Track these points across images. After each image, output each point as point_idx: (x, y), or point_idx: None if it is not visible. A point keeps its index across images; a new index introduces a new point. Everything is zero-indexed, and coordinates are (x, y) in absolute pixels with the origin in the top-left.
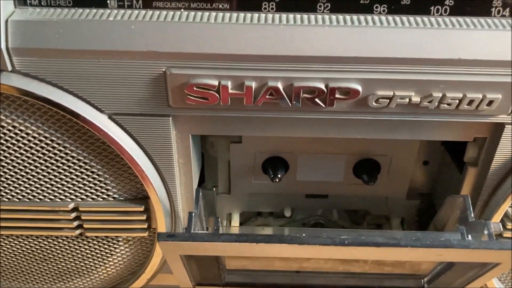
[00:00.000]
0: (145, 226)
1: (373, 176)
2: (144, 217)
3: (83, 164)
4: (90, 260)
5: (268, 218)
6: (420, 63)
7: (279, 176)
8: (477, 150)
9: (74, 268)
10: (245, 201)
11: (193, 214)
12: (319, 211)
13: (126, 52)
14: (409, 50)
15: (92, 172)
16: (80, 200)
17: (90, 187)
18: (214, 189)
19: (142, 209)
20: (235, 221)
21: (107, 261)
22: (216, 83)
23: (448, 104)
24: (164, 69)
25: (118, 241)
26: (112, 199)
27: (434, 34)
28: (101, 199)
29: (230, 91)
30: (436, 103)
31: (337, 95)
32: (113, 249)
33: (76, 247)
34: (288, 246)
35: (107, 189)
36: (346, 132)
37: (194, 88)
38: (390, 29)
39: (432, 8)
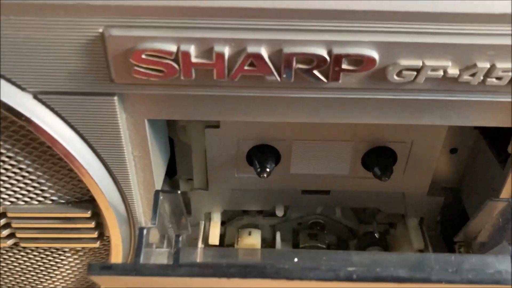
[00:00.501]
0: (95, 235)
1: (388, 169)
2: (92, 224)
3: (7, 159)
4: (32, 273)
5: (256, 217)
6: (461, 20)
7: (267, 170)
8: None
9: (14, 282)
10: (227, 198)
11: (144, 231)
12: (319, 209)
13: (48, 6)
14: (445, 1)
15: (20, 168)
16: (8, 203)
17: (20, 187)
18: (179, 192)
19: (88, 214)
20: (216, 222)
21: (53, 275)
22: (173, 48)
23: (498, 79)
24: (101, 30)
25: (65, 251)
26: (49, 202)
27: None
28: (36, 202)
29: (193, 59)
30: (481, 77)
31: (344, 66)
32: (59, 261)
33: (13, 259)
34: (272, 282)
35: (41, 190)
36: (356, 116)
37: (143, 56)
38: None
39: None
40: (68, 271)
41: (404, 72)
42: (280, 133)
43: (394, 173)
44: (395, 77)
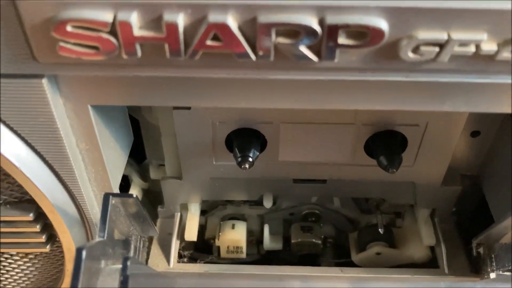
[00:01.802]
0: (43, 239)
1: (396, 158)
2: (37, 228)
3: None
4: None
5: (242, 206)
6: None
7: (250, 159)
8: None
9: None
10: (205, 188)
11: (83, 253)
12: (314, 198)
13: None
14: None
15: None
16: None
17: None
18: (135, 196)
19: (30, 217)
20: (193, 214)
21: (3, 278)
22: (109, 17)
23: None
24: None
25: (12, 255)
26: None
27: None
28: None
29: (136, 32)
30: None
31: (341, 40)
32: (6, 264)
33: None
34: None
35: None
36: (356, 102)
37: (69, 29)
38: None
39: None
40: (20, 275)
41: (423, 48)
42: (265, 115)
43: (404, 161)
44: (410, 55)
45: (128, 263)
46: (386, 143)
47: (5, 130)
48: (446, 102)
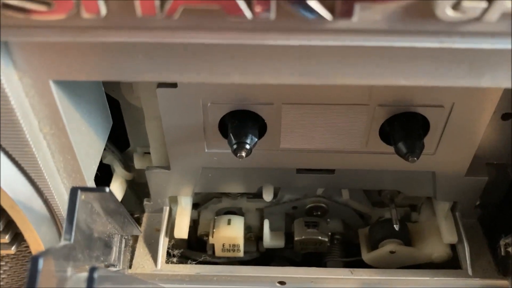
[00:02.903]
0: (6, 239)
1: (417, 144)
2: None
3: None
4: None
5: (239, 199)
6: None
7: (247, 147)
8: None
9: None
10: (197, 179)
11: (39, 261)
12: (319, 191)
13: None
14: None
15: None
16: None
17: None
18: (108, 190)
19: None
20: (183, 209)
21: None
22: None
23: None
24: None
25: None
26: None
27: None
28: None
29: None
30: None
31: None
32: None
33: None
34: None
35: None
36: (377, 76)
37: None
38: None
39: None
40: None
41: (466, 3)
42: (265, 94)
43: (425, 148)
44: (450, 12)
45: (95, 275)
46: (405, 127)
47: None
48: (485, 75)
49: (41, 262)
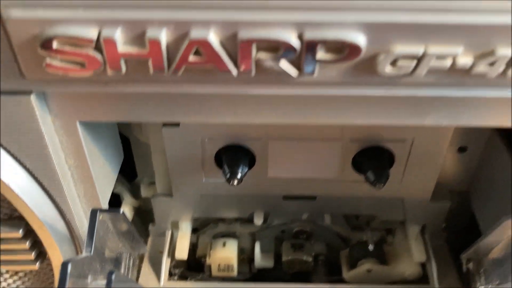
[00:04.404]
0: (32, 256)
1: (383, 174)
2: (26, 245)
3: None
4: None
5: (233, 224)
6: None
7: (238, 176)
8: None
9: None
10: (196, 205)
11: (68, 266)
12: (305, 215)
13: None
14: None
15: None
16: None
17: None
18: (122, 212)
19: (19, 234)
20: (184, 232)
21: None
22: (93, 34)
23: None
24: None
25: (1, 273)
26: None
27: None
28: None
29: (120, 48)
30: (503, 67)
31: (320, 55)
32: None
33: None
34: None
35: None
36: (339, 117)
37: (55, 45)
38: None
39: None
40: None
41: (400, 62)
42: (254, 131)
43: (392, 177)
44: (388, 69)
45: (113, 277)
46: (373, 158)
47: None
48: (428, 116)
49: (69, 266)
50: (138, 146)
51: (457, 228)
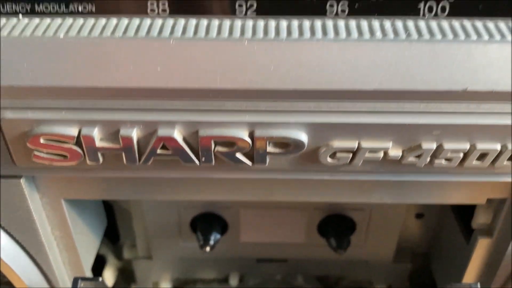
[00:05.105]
0: None
1: (344, 240)
2: None
3: None
4: None
5: (211, 284)
6: (401, 97)
7: (211, 243)
8: (491, 214)
9: None
10: (175, 267)
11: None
12: (279, 276)
13: None
14: (383, 77)
15: None
16: None
17: None
18: (101, 280)
19: None
20: None
21: None
22: (74, 132)
23: (447, 160)
24: None
25: None
26: None
27: (423, 50)
28: None
29: (98, 143)
30: (428, 159)
31: (269, 149)
32: None
33: None
34: None
35: None
36: (289, 195)
37: (42, 141)
38: (353, 43)
39: (421, 5)
40: None
41: (339, 154)
42: (225, 201)
43: (356, 241)
44: (329, 160)
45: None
46: (335, 225)
47: None
48: (372, 195)
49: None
50: (120, 212)
51: (422, 285)
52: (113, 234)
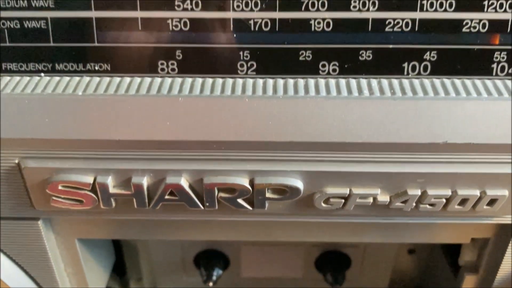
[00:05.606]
0: None
1: (340, 275)
2: None
3: None
4: None
5: None
6: (387, 148)
7: (214, 278)
8: (476, 252)
9: None
10: None
11: None
12: None
13: None
14: (370, 131)
15: None
16: None
17: None
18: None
19: None
20: None
21: None
22: (90, 180)
23: (431, 205)
24: (17, 161)
25: None
26: None
27: (407, 106)
28: None
29: (111, 190)
30: (414, 204)
31: (268, 195)
32: None
33: None
34: None
35: None
36: (287, 235)
37: (60, 187)
38: (343, 100)
39: (405, 65)
40: None
41: (332, 200)
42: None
43: (351, 275)
44: (323, 204)
45: None
46: (331, 262)
47: (5, 259)
48: (364, 235)
49: None
50: (128, 248)
51: None
52: (120, 268)
